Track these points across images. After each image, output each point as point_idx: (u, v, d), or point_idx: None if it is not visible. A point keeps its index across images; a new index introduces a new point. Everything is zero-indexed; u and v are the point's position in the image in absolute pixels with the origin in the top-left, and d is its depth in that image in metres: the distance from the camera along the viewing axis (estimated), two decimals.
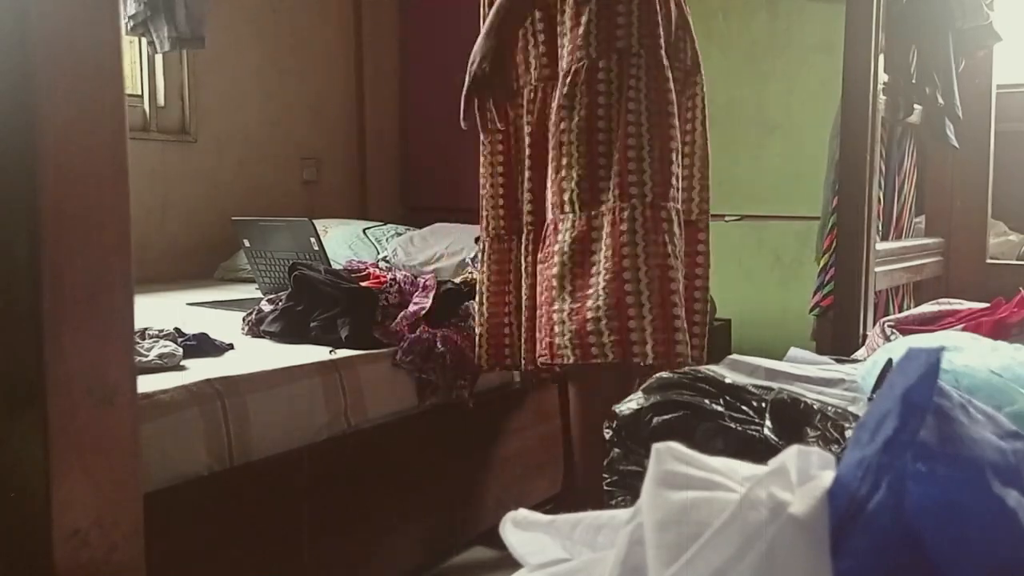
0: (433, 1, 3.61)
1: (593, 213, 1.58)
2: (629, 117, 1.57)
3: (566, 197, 1.59)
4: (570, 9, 1.62)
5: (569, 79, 1.60)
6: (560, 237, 1.60)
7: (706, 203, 1.73)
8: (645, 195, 1.56)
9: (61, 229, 0.73)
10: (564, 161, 1.60)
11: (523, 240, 1.73)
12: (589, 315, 1.54)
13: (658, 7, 1.62)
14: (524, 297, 1.73)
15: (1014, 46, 2.66)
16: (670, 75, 1.62)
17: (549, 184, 1.64)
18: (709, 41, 3.28)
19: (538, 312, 1.64)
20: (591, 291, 1.56)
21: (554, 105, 1.63)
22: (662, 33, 1.62)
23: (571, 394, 1.70)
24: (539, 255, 1.65)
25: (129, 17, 2.73)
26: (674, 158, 1.60)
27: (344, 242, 2.95)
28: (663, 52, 1.61)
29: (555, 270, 1.59)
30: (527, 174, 1.70)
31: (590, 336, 1.54)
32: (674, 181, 1.60)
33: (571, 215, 1.59)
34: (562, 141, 1.60)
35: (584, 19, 1.59)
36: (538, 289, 1.65)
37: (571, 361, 1.56)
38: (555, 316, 1.58)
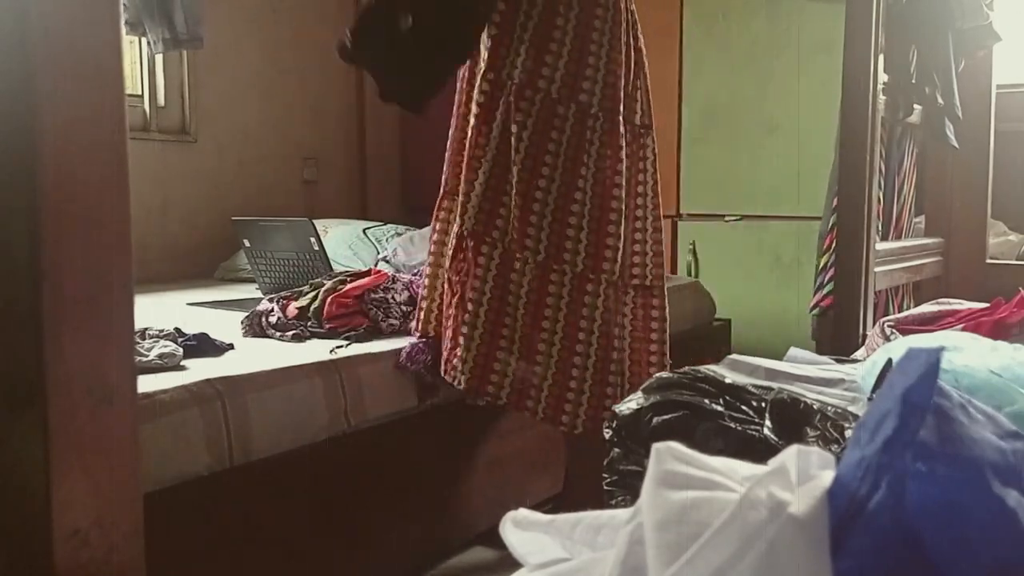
0: None
1: (517, 261, 1.57)
2: (578, 183, 1.56)
3: (497, 224, 1.58)
4: (537, 20, 1.56)
5: (523, 106, 1.55)
6: (478, 262, 1.58)
7: (660, 267, 1.70)
8: (576, 264, 1.57)
9: (61, 229, 0.73)
10: (494, 185, 1.58)
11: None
12: (500, 356, 1.58)
13: (622, 59, 1.59)
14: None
15: (1014, 46, 2.67)
16: (623, 142, 1.59)
17: (466, 189, 1.61)
18: (709, 41, 3.29)
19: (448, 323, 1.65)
20: (505, 334, 1.58)
21: (492, 109, 1.58)
22: (621, 91, 1.59)
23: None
24: (450, 263, 1.64)
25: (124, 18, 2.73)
26: (611, 229, 1.59)
27: (344, 242, 2.95)
28: (620, 116, 1.59)
29: (472, 295, 1.59)
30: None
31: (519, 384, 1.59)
32: (607, 253, 1.59)
33: (496, 248, 1.58)
34: (509, 168, 1.57)
35: (553, 44, 1.55)
36: (448, 296, 1.65)
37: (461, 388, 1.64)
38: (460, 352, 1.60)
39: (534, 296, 1.57)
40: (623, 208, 1.60)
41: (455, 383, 1.63)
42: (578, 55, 1.56)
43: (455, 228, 1.63)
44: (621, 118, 1.59)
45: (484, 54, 1.61)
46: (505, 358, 1.58)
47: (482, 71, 1.61)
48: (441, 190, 1.76)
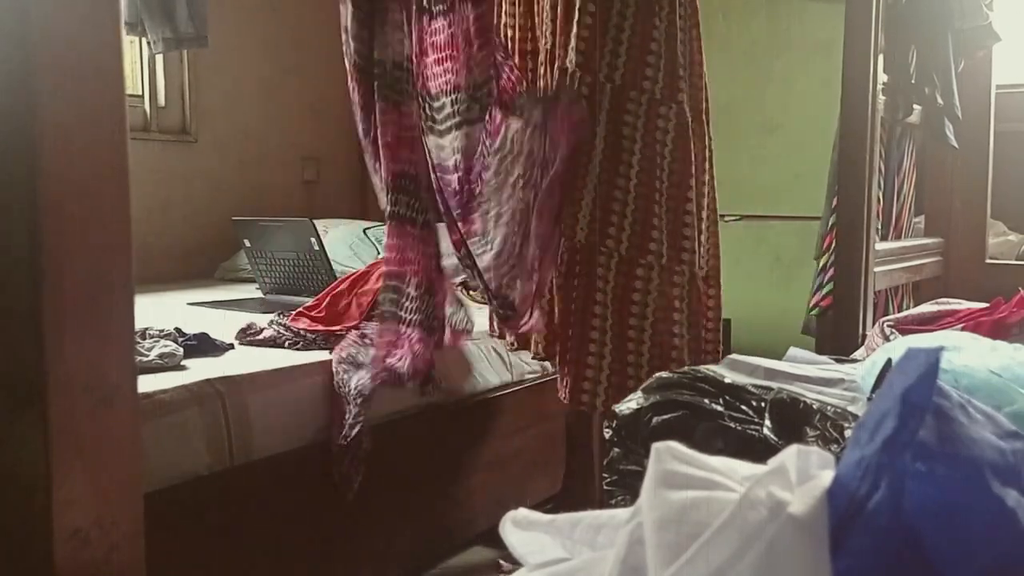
0: None
1: (640, 268, 1.57)
2: (690, 182, 1.57)
3: (611, 233, 1.58)
4: (633, 17, 1.57)
5: (631, 104, 1.55)
6: (599, 273, 1.59)
7: (716, 259, 1.72)
8: (662, 255, 1.58)
9: (61, 229, 0.73)
10: (604, 193, 1.58)
11: None
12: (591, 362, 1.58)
13: (701, 60, 1.62)
14: None
15: (1013, 46, 2.66)
16: (691, 132, 1.60)
17: (575, 198, 1.60)
18: (709, 41, 3.27)
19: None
20: (595, 336, 1.59)
21: (595, 112, 1.57)
22: (704, 93, 1.62)
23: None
24: (562, 279, 1.64)
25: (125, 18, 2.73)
26: (687, 220, 1.60)
27: (344, 242, 2.95)
28: (704, 118, 1.62)
29: (598, 311, 1.59)
30: None
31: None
32: (686, 243, 1.60)
33: (612, 257, 1.58)
34: (619, 173, 1.57)
35: (654, 45, 1.55)
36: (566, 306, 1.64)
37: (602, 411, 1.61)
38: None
39: (619, 292, 1.58)
40: (696, 201, 1.63)
41: (587, 408, 1.61)
42: (671, 55, 1.59)
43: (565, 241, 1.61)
44: (688, 107, 1.61)
45: (574, 57, 1.59)
46: (597, 363, 1.59)
47: (575, 73, 1.60)
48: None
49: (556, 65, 1.63)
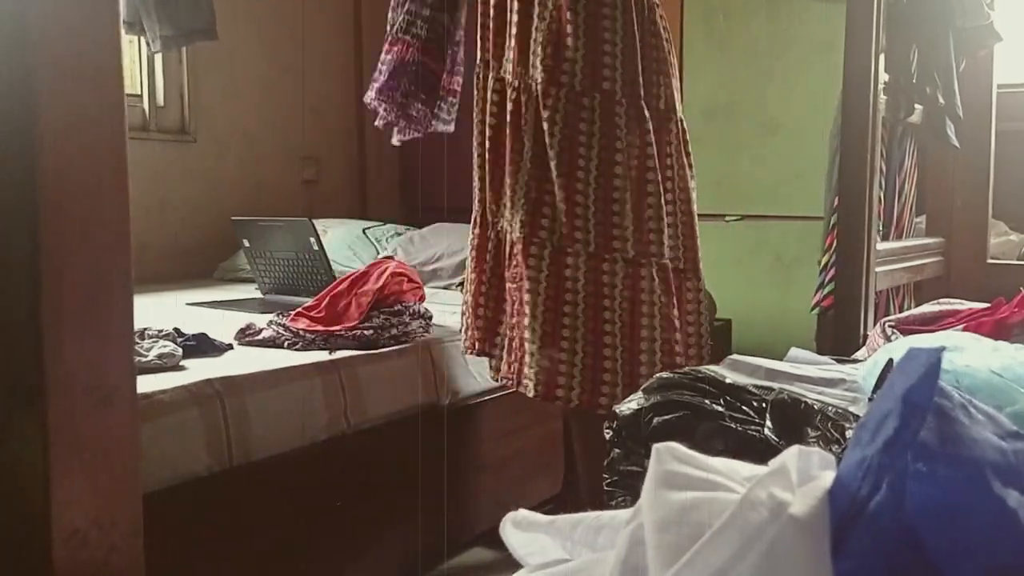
0: None
1: (569, 256, 1.56)
2: (616, 170, 1.56)
3: (544, 224, 1.58)
4: (550, 20, 1.57)
5: (550, 103, 1.57)
6: (531, 264, 1.58)
7: (692, 251, 1.70)
8: (627, 251, 1.56)
9: (61, 229, 0.73)
10: (533, 187, 1.58)
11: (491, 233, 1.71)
12: (563, 357, 1.56)
13: (638, 46, 1.59)
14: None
15: (1015, 46, 2.66)
16: (650, 126, 1.59)
17: (516, 194, 1.61)
18: (709, 41, 3.29)
19: (509, 332, 1.64)
20: (566, 333, 1.57)
21: (525, 114, 1.58)
22: (642, 78, 1.59)
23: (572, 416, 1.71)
24: (508, 270, 1.63)
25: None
26: (650, 212, 1.59)
27: (344, 242, 2.95)
28: (642, 100, 1.59)
29: (528, 298, 1.58)
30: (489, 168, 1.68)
31: (560, 378, 1.56)
32: (652, 236, 1.59)
33: (546, 249, 1.58)
34: (544, 167, 1.57)
35: (568, 39, 1.56)
36: (509, 305, 1.63)
37: (533, 395, 1.59)
38: (527, 346, 1.58)
39: (592, 288, 1.57)
40: (660, 191, 1.61)
41: (527, 391, 1.60)
42: (593, 46, 1.57)
43: (508, 236, 1.62)
44: (644, 103, 1.60)
45: (507, 66, 1.62)
46: (569, 358, 1.57)
47: (508, 80, 1.61)
48: (476, 204, 1.74)
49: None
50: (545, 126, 1.57)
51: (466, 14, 1.89)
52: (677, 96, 1.68)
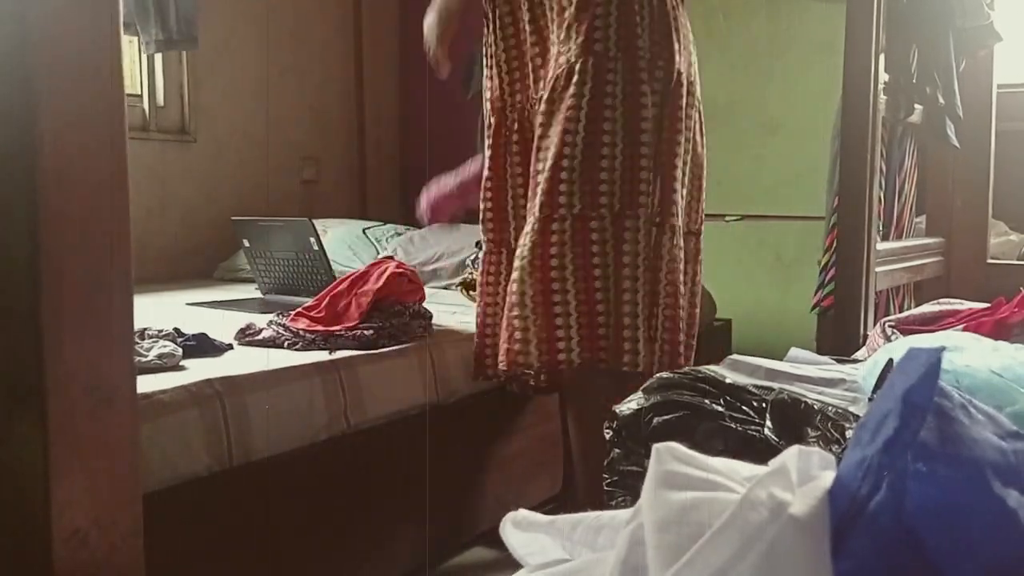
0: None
1: (555, 223, 1.56)
2: (604, 126, 1.56)
3: (539, 201, 1.58)
4: (556, 19, 1.62)
5: (551, 84, 1.59)
6: (522, 241, 1.59)
7: (700, 215, 1.75)
8: (614, 206, 1.56)
9: (61, 229, 0.73)
10: (540, 166, 1.60)
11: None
12: (602, 321, 1.56)
13: (637, 13, 1.59)
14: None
15: (1015, 45, 2.66)
16: (647, 88, 1.59)
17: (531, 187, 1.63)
18: (709, 41, 3.28)
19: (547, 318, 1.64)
20: (600, 296, 1.57)
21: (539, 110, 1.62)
22: (641, 41, 1.60)
23: (567, 401, 1.71)
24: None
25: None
26: (643, 176, 1.58)
27: (344, 242, 2.95)
28: (641, 61, 1.59)
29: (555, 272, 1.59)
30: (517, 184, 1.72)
31: (559, 343, 1.56)
32: (642, 199, 1.58)
33: (534, 221, 1.58)
34: (540, 147, 1.60)
35: (566, 24, 1.59)
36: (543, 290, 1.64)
37: (579, 364, 1.57)
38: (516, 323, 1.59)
39: (644, 248, 1.59)
40: (686, 159, 1.65)
41: (568, 364, 1.58)
42: (626, 16, 1.59)
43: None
44: (643, 67, 1.60)
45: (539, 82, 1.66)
46: (607, 320, 1.58)
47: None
48: (493, 226, 1.76)
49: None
50: (573, 89, 1.57)
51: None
52: (695, 68, 1.72)
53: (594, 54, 1.56)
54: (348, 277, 1.99)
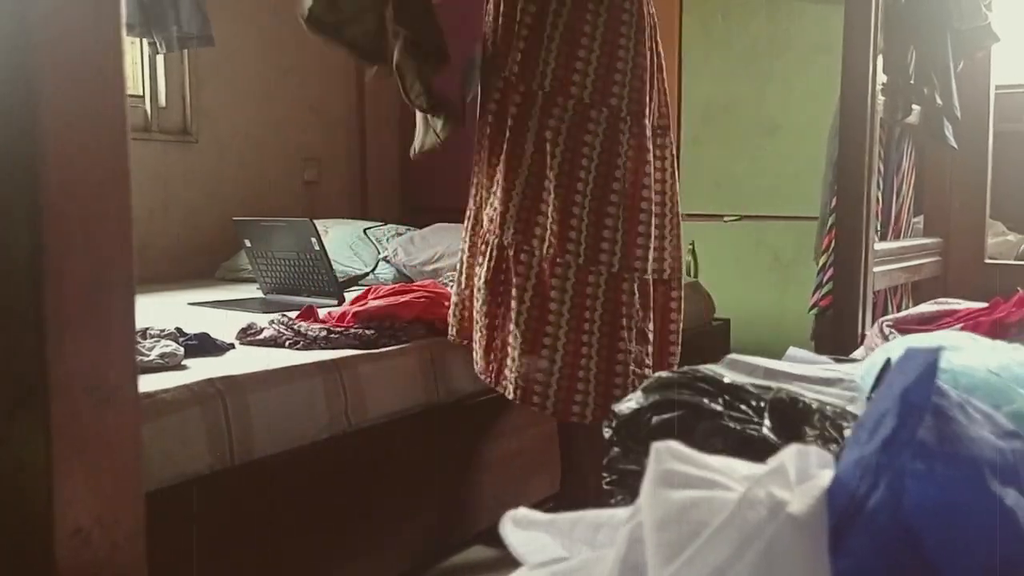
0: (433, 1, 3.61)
1: (558, 267, 1.58)
2: (613, 186, 1.57)
3: (536, 233, 1.60)
4: (563, 29, 1.59)
5: (556, 112, 1.58)
6: (519, 272, 1.60)
7: (678, 261, 1.73)
8: (612, 264, 1.59)
9: (62, 229, 0.73)
10: (531, 195, 1.60)
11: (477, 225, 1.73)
12: (543, 365, 1.59)
13: (646, 63, 1.61)
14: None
15: (1012, 47, 2.67)
16: (650, 144, 1.61)
17: (504, 200, 1.63)
18: (709, 41, 3.29)
19: (489, 333, 1.66)
20: (548, 342, 1.59)
21: (528, 121, 1.61)
22: (647, 94, 1.61)
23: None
24: (490, 275, 1.65)
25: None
26: (641, 229, 1.61)
27: (344, 242, 2.95)
28: (646, 117, 1.61)
29: (513, 305, 1.60)
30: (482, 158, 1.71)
31: (536, 386, 1.60)
32: (639, 252, 1.61)
33: (534, 258, 1.60)
34: (542, 177, 1.59)
35: (582, 51, 1.57)
36: (487, 308, 1.65)
37: (512, 398, 1.63)
38: (510, 351, 1.61)
39: (577, 299, 1.58)
40: (652, 207, 1.63)
41: (506, 393, 1.64)
42: (607, 59, 1.58)
43: (493, 239, 1.63)
44: (646, 121, 1.62)
45: (514, 67, 1.63)
46: (548, 366, 1.59)
47: (513, 83, 1.63)
48: (472, 202, 1.76)
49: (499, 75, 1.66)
50: (548, 135, 1.57)
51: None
52: (671, 112, 1.71)
53: (610, 107, 1.59)
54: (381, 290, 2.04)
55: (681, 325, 1.74)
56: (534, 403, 1.61)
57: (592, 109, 1.58)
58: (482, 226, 1.71)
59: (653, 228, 1.64)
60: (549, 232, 1.59)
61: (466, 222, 1.79)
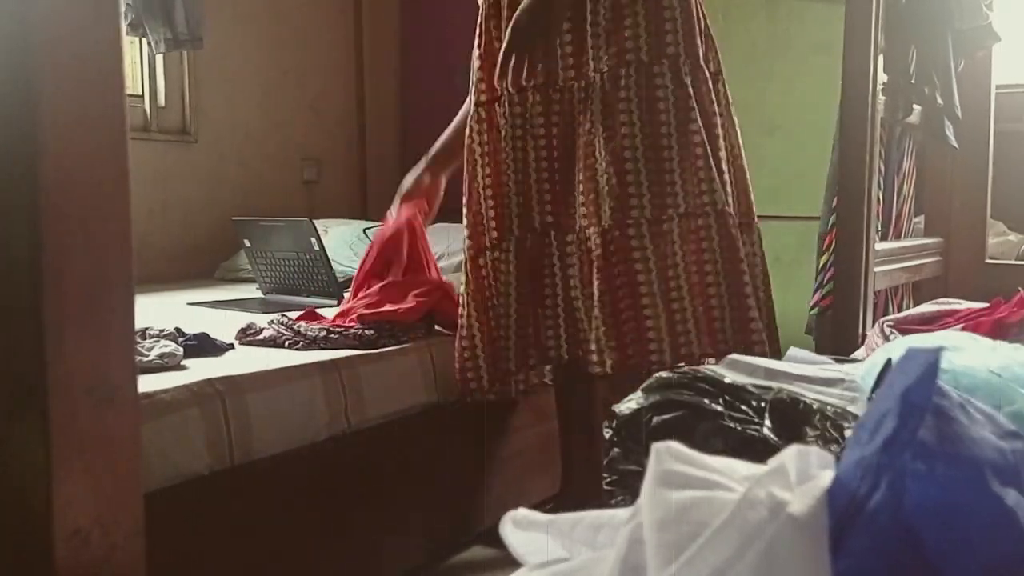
0: (433, 1, 3.61)
1: (664, 225, 1.60)
2: (692, 127, 1.60)
3: (633, 204, 1.60)
4: (607, 11, 1.62)
5: (621, 81, 1.60)
6: (635, 244, 1.61)
7: (748, 206, 1.75)
8: (716, 203, 1.61)
9: (62, 229, 0.73)
10: (628, 170, 1.60)
11: (550, 241, 1.72)
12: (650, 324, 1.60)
13: (696, 17, 1.64)
14: (558, 297, 1.73)
15: (1013, 46, 2.67)
16: (710, 85, 1.65)
17: (587, 188, 1.63)
18: None
19: (620, 316, 1.64)
20: (674, 296, 1.61)
21: (591, 105, 1.62)
22: (699, 42, 1.64)
23: (600, 398, 1.72)
24: (599, 262, 1.63)
25: (125, 18, 2.73)
26: (724, 167, 1.65)
27: (344, 242, 2.95)
28: (701, 61, 1.64)
29: (643, 277, 1.61)
30: (548, 175, 1.70)
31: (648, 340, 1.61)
32: (729, 189, 1.65)
33: (642, 226, 1.61)
34: (624, 146, 1.59)
35: (628, 21, 1.60)
36: (609, 295, 1.63)
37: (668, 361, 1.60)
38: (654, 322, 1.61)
39: (682, 246, 1.62)
40: (721, 151, 1.67)
41: (598, 368, 1.63)
42: (655, 15, 1.61)
43: (593, 231, 1.62)
44: (703, 64, 1.65)
45: (560, 73, 1.67)
46: (655, 324, 1.62)
47: (560, 84, 1.66)
48: (474, 244, 1.77)
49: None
50: (621, 105, 1.59)
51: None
52: (720, 58, 1.73)
53: (669, 57, 1.61)
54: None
55: (759, 281, 1.70)
56: (652, 361, 1.58)
57: (654, 65, 1.59)
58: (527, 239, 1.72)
59: (727, 169, 1.67)
60: (646, 197, 1.60)
61: (492, 224, 1.76)
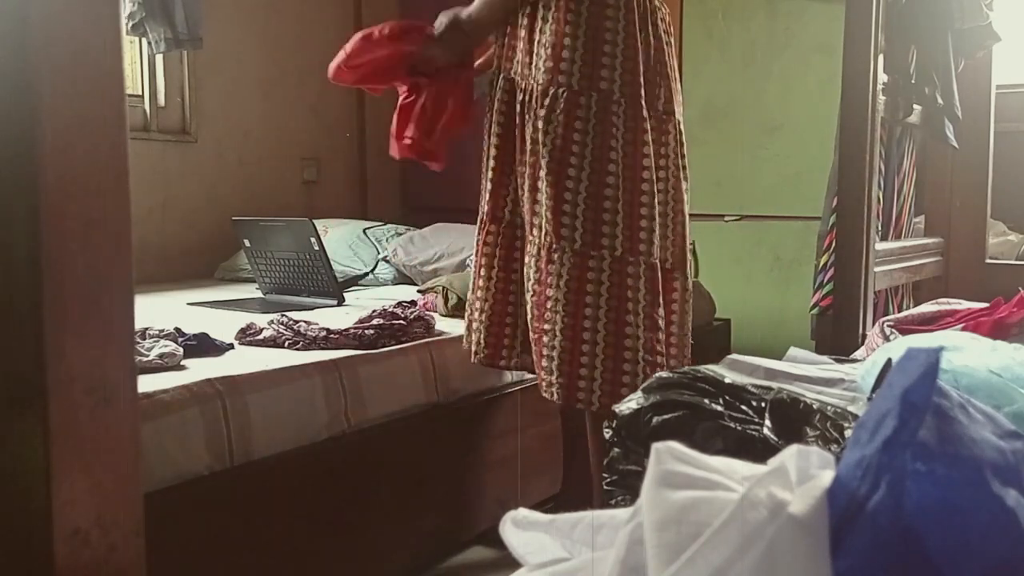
0: (433, 1, 3.61)
1: (554, 252, 1.58)
2: (609, 167, 1.58)
3: (535, 222, 1.61)
4: (550, 33, 1.60)
5: (547, 103, 1.58)
6: (553, 270, 1.60)
7: (681, 250, 1.70)
8: (615, 248, 1.58)
9: (61, 229, 0.73)
10: (539, 187, 1.60)
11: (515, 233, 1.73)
12: (545, 352, 1.60)
13: (639, 47, 1.60)
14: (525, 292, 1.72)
15: (1013, 46, 2.67)
16: (648, 126, 1.61)
17: (529, 196, 1.64)
18: (709, 41, 3.29)
19: (535, 334, 1.65)
20: (548, 327, 1.60)
21: (527, 117, 1.62)
22: (642, 78, 1.61)
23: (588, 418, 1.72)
24: (534, 271, 1.64)
25: (127, 17, 2.73)
26: (643, 212, 1.60)
27: (344, 242, 2.95)
28: (642, 100, 1.61)
29: (550, 304, 1.60)
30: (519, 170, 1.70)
31: (543, 372, 1.61)
32: (643, 235, 1.60)
33: (535, 244, 1.61)
34: (537, 167, 1.60)
35: (567, 40, 1.58)
36: (534, 308, 1.64)
37: (555, 400, 1.61)
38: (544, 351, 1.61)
39: (575, 284, 1.58)
40: (654, 191, 1.62)
41: (546, 395, 1.64)
42: (593, 46, 1.58)
43: (539, 239, 1.62)
44: (644, 103, 1.61)
45: (517, 67, 1.65)
46: (549, 352, 1.60)
47: (516, 80, 1.65)
48: (486, 217, 1.74)
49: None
50: (540, 124, 1.58)
51: None
52: (676, 98, 1.69)
53: (600, 92, 1.58)
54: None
55: (687, 319, 1.70)
56: (543, 389, 1.60)
57: (581, 95, 1.58)
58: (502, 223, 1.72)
59: (656, 214, 1.63)
60: (544, 220, 1.59)
61: (481, 240, 1.76)
